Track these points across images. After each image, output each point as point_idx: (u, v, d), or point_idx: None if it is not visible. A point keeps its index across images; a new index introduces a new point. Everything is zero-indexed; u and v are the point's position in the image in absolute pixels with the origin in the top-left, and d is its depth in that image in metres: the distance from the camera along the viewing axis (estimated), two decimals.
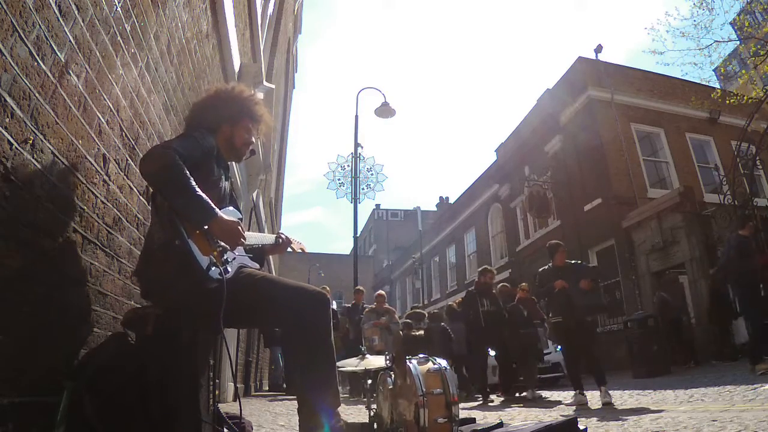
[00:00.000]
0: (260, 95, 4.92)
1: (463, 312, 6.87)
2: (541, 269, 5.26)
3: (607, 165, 11.87)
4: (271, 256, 2.17)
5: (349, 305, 8.55)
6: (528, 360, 6.58)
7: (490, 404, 5.92)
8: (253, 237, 2.04)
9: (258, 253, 2.11)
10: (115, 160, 1.85)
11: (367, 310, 7.63)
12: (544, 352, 8.35)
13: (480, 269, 6.93)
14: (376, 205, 41.98)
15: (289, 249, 2.29)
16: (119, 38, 1.76)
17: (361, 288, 8.63)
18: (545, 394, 6.54)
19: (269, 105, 5.05)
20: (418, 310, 9.36)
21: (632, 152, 12.20)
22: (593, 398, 4.74)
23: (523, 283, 7.35)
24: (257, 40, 5.64)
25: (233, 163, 2.44)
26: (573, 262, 5.27)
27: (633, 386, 5.93)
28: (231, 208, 1.89)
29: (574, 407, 4.62)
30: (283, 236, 2.24)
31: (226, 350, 2.09)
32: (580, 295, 4.80)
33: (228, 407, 3.93)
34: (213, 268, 1.56)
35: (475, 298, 6.46)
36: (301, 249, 2.35)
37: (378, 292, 8.11)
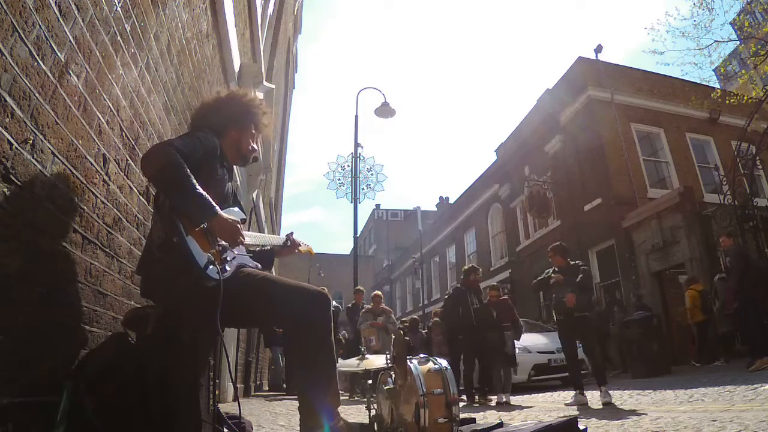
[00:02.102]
0: (260, 95, 4.94)
1: (451, 310, 6.54)
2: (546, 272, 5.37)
3: (607, 165, 11.86)
4: None
5: (350, 305, 8.56)
6: (497, 364, 6.21)
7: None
8: (257, 237, 2.05)
9: (267, 254, 2.12)
10: (115, 160, 1.85)
11: (363, 310, 7.64)
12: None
13: (467, 267, 6.71)
14: (376, 205, 42.03)
15: (297, 251, 2.30)
16: (119, 38, 1.76)
17: (361, 288, 8.63)
18: (517, 399, 6.21)
19: (269, 105, 5.05)
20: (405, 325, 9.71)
21: (632, 152, 12.19)
22: (593, 398, 4.74)
23: (494, 284, 7.06)
24: (257, 40, 5.64)
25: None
26: (572, 263, 5.28)
27: (633, 386, 5.93)
28: (235, 209, 1.90)
29: (574, 407, 4.62)
30: (292, 238, 2.24)
31: (225, 350, 2.09)
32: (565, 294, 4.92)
33: (228, 407, 3.93)
34: (211, 267, 1.56)
35: (465, 294, 6.33)
36: (309, 251, 2.36)
37: (375, 292, 8.12)
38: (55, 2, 1.30)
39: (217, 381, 2.26)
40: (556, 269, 5.20)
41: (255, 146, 2.03)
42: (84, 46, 1.49)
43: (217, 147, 1.81)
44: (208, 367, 1.82)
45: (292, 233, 2.27)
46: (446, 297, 6.85)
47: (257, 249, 2.04)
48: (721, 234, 7.38)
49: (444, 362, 2.25)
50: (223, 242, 1.65)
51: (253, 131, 2.01)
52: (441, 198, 35.39)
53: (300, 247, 2.30)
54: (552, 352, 7.89)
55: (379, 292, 8.07)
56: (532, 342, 8.10)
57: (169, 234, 1.53)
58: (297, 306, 1.70)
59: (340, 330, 8.31)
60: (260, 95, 4.92)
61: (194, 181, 1.53)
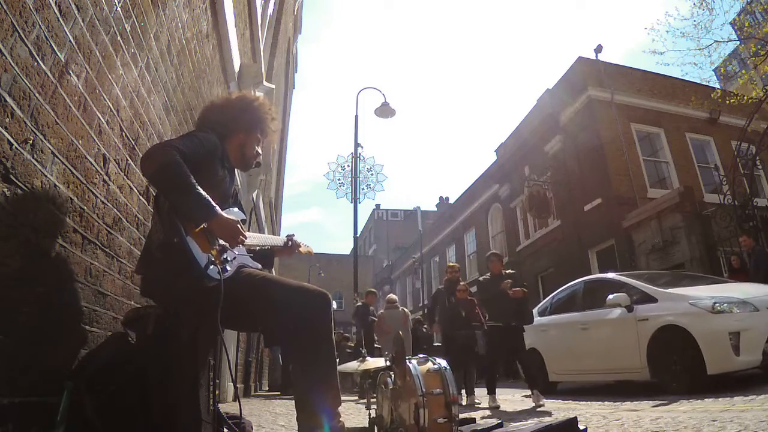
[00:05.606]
0: (260, 95, 4.94)
1: (430, 310, 6.85)
2: (481, 278, 5.79)
3: (607, 165, 11.86)
4: None
5: (360, 304, 8.59)
6: (466, 364, 6.15)
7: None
8: (258, 238, 2.05)
9: (267, 255, 2.12)
10: (115, 160, 1.85)
11: (383, 312, 7.78)
12: None
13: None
14: (376, 205, 42.04)
15: (297, 251, 2.31)
16: (119, 38, 1.76)
17: (374, 290, 8.71)
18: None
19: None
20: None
21: (632, 152, 12.19)
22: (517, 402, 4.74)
23: (462, 283, 6.79)
24: (257, 40, 5.64)
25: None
26: (508, 271, 5.66)
27: (633, 386, 5.92)
28: (235, 209, 1.90)
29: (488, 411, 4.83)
30: (293, 239, 2.25)
31: (225, 350, 2.10)
32: (507, 302, 5.25)
33: (228, 407, 3.92)
34: (211, 267, 1.56)
35: (442, 294, 6.54)
36: (309, 252, 2.37)
37: (390, 295, 8.32)
38: (55, 2, 1.30)
39: (217, 381, 2.26)
40: (488, 275, 5.62)
41: (259, 151, 2.02)
42: (84, 46, 1.49)
43: (218, 146, 1.80)
44: (208, 367, 1.82)
45: (293, 235, 2.28)
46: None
47: (257, 249, 2.05)
48: (742, 234, 7.50)
49: (443, 362, 2.25)
50: (223, 242, 1.66)
51: (259, 136, 2.01)
52: (441, 198, 35.44)
53: (300, 248, 2.31)
54: None
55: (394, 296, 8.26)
56: (746, 293, 4.60)
57: (168, 234, 1.53)
58: (297, 306, 1.70)
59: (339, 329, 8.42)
60: (260, 95, 4.92)
61: (194, 180, 1.52)
